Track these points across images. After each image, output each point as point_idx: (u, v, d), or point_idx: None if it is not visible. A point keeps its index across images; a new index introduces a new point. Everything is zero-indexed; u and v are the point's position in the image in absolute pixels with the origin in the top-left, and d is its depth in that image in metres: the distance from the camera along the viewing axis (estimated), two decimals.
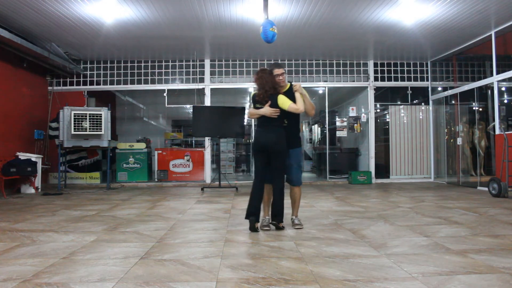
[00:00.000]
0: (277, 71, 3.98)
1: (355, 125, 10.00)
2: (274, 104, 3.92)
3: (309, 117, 15.07)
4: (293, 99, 3.96)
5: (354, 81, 9.99)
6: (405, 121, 10.17)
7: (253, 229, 3.90)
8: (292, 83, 4.13)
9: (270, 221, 4.03)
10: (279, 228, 3.97)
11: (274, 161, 3.94)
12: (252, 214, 3.90)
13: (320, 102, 11.32)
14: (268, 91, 3.93)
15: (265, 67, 4.24)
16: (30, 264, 2.85)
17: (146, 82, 9.84)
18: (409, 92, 10.03)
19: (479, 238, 3.55)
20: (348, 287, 2.35)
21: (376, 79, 9.95)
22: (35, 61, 8.34)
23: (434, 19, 6.88)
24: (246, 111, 11.12)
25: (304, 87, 4.16)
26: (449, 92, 9.28)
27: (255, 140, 4.13)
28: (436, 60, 9.67)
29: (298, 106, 3.90)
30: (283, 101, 3.91)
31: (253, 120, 10.62)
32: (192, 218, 4.85)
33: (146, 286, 2.38)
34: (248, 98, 12.16)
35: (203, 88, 9.79)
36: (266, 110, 3.91)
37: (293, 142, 4.05)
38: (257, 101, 4.02)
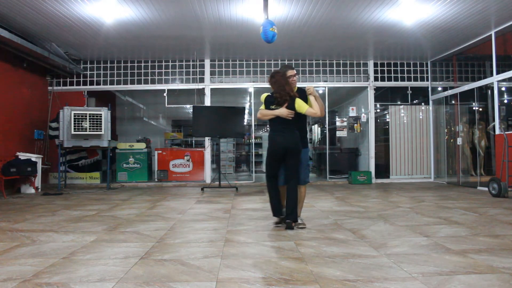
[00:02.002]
0: (290, 72, 4.09)
1: (355, 125, 10.00)
2: (290, 107, 3.98)
3: (318, 118, 15.11)
4: (303, 101, 4.06)
5: (354, 81, 9.99)
6: (405, 121, 10.18)
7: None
8: (298, 86, 4.19)
9: (284, 220, 4.08)
10: (291, 227, 3.97)
11: (290, 162, 4.00)
12: (278, 213, 4.10)
13: None
14: (289, 93, 3.98)
15: (278, 69, 4.27)
16: (30, 264, 2.86)
17: (146, 82, 9.84)
18: (409, 92, 10.03)
19: (479, 238, 3.55)
20: (348, 287, 2.35)
21: (376, 79, 9.95)
22: (35, 61, 8.34)
23: (434, 19, 6.88)
24: (246, 111, 11.07)
25: (303, 87, 4.18)
26: (449, 92, 9.29)
27: (273, 142, 4.08)
28: (436, 60, 9.67)
29: (315, 110, 3.98)
30: (301, 105, 3.97)
31: (253, 120, 10.68)
32: (192, 218, 4.85)
33: (146, 286, 2.38)
34: (248, 98, 12.16)
35: (203, 88, 9.79)
36: (283, 111, 3.95)
37: (303, 142, 4.14)
38: (276, 102, 4.01)
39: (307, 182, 4.21)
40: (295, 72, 4.14)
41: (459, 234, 3.70)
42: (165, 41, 8.25)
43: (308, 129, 16.17)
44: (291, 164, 4.00)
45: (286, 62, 9.85)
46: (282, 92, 3.96)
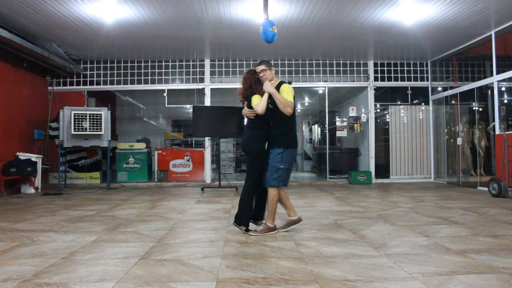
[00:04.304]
0: (256, 69, 3.89)
1: (355, 125, 10.00)
2: (249, 105, 3.90)
3: (318, 117, 14.89)
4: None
5: (354, 81, 9.99)
6: (405, 121, 10.18)
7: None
8: (282, 81, 3.95)
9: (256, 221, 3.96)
10: (237, 226, 3.85)
11: (246, 162, 3.99)
12: (252, 218, 3.97)
13: (320, 102, 11.30)
14: (242, 93, 3.93)
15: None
16: (30, 264, 2.85)
17: (146, 82, 9.84)
18: (409, 92, 10.03)
19: (479, 238, 3.54)
20: (348, 287, 2.35)
21: (376, 79, 9.95)
22: (35, 61, 8.34)
23: (434, 19, 6.88)
24: None
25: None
26: (449, 92, 9.29)
27: None
28: (436, 60, 9.67)
29: (256, 107, 3.72)
30: (253, 102, 3.82)
31: None
32: (192, 218, 4.85)
33: (146, 286, 2.38)
34: None
35: (203, 88, 9.79)
36: (243, 111, 3.95)
37: (273, 142, 3.82)
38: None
39: (270, 186, 3.74)
40: (263, 68, 3.81)
41: (459, 234, 3.70)
42: (165, 41, 8.25)
43: (308, 129, 16.14)
44: (246, 164, 3.97)
45: (286, 62, 9.84)
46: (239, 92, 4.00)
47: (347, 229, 4.03)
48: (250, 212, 3.90)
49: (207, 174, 9.89)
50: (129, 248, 3.32)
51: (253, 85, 3.86)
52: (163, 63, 9.83)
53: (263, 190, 3.90)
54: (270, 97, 3.75)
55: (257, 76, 3.88)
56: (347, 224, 4.30)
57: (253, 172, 3.86)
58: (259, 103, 3.73)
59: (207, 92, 9.78)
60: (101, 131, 8.37)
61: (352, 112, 10.16)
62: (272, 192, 3.78)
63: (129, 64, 9.78)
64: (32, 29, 7.25)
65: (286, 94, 3.74)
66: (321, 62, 9.90)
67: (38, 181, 8.12)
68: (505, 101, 8.08)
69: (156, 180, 9.86)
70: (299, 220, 3.92)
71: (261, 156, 3.85)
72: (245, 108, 3.92)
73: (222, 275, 2.58)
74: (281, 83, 3.86)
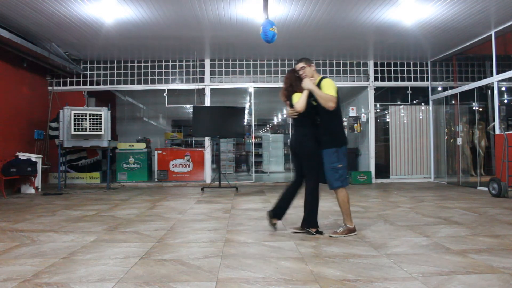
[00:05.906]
0: (296, 66, 3.84)
1: (355, 125, 10.00)
2: (291, 104, 3.83)
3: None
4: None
5: (354, 81, 9.99)
6: (405, 121, 10.17)
7: (272, 225, 3.93)
8: (324, 76, 3.83)
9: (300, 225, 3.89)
10: (310, 233, 3.77)
11: (303, 163, 3.82)
12: (272, 211, 3.91)
13: None
14: (284, 93, 3.90)
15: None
16: (30, 264, 2.85)
17: (146, 82, 9.84)
18: (409, 92, 10.03)
19: (479, 238, 3.54)
20: (348, 287, 2.35)
21: (376, 79, 9.95)
22: (35, 61, 8.34)
23: (434, 19, 6.88)
24: (246, 111, 11.09)
25: (324, 78, 3.89)
26: (449, 92, 9.29)
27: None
28: (436, 60, 9.67)
29: (296, 105, 3.67)
30: (294, 100, 3.75)
31: (253, 120, 10.72)
32: (192, 218, 4.85)
33: (146, 286, 2.38)
34: (248, 98, 12.18)
35: (203, 88, 9.79)
36: (287, 111, 3.88)
37: (323, 142, 3.71)
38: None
39: (335, 187, 3.69)
40: (302, 65, 3.76)
41: (459, 234, 3.70)
42: (165, 41, 8.25)
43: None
44: (303, 165, 3.81)
45: (286, 62, 9.85)
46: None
47: None
48: (317, 212, 3.83)
49: (207, 174, 9.89)
50: (129, 248, 3.32)
51: (293, 83, 3.81)
52: (163, 63, 9.83)
53: (296, 190, 3.90)
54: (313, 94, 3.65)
55: (297, 74, 3.81)
56: None
57: (313, 172, 3.76)
58: (298, 101, 3.67)
59: (207, 92, 9.78)
60: (101, 131, 8.37)
61: (352, 112, 10.15)
62: (340, 194, 3.70)
63: (129, 64, 9.77)
64: (32, 29, 7.25)
65: (327, 89, 3.59)
66: (321, 62, 9.90)
67: (38, 181, 8.12)
68: (505, 101, 8.08)
69: (156, 180, 9.86)
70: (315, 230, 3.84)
71: (316, 154, 3.72)
72: (288, 108, 3.84)
73: (222, 275, 2.58)
74: (322, 78, 3.73)
